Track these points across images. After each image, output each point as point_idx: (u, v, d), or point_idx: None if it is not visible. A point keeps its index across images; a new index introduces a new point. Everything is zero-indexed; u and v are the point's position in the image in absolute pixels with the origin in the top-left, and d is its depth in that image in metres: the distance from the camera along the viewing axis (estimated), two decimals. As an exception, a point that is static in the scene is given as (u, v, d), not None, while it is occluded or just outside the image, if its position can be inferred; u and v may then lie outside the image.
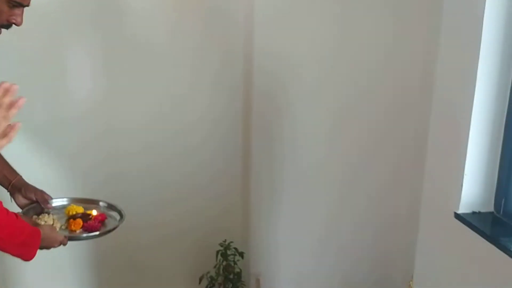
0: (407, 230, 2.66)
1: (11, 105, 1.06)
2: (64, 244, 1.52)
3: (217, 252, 2.60)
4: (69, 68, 2.46)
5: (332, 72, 2.45)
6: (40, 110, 2.37)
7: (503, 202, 1.55)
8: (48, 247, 1.47)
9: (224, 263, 2.61)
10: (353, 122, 2.53)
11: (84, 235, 1.59)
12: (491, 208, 1.59)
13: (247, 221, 2.71)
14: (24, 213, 1.60)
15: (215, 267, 2.61)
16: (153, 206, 2.65)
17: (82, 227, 1.61)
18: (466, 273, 1.57)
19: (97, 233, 1.59)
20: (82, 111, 2.49)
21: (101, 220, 1.65)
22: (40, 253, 2.54)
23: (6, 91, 1.06)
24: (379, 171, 2.64)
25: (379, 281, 2.81)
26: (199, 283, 2.63)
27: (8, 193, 1.64)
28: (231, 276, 2.63)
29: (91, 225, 1.60)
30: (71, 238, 1.55)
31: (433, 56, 1.85)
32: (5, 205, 1.41)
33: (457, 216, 1.57)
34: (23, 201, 1.64)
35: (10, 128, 1.07)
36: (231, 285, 2.63)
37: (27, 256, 1.37)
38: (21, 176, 1.65)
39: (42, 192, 1.67)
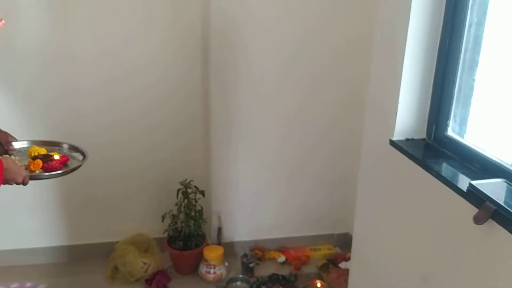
0: (357, 160, 2.79)
1: None
2: (25, 183, 1.50)
3: (178, 190, 2.69)
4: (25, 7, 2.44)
5: (285, 12, 2.51)
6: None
7: (433, 129, 1.66)
8: (12, 180, 1.46)
9: (185, 201, 2.70)
10: (304, 60, 2.62)
11: (45, 174, 1.59)
12: (423, 135, 1.70)
13: (208, 160, 2.79)
14: None
15: (176, 205, 2.71)
16: (113, 144, 2.71)
17: (42, 167, 1.61)
18: (399, 193, 1.69)
19: (58, 172, 1.61)
20: (39, 50, 2.49)
21: (63, 162, 1.68)
22: (7, 192, 2.64)
23: None
24: (329, 101, 2.75)
25: (334, 210, 2.97)
26: (162, 221, 2.72)
27: None
28: (193, 214, 2.73)
29: (50, 165, 1.62)
30: (32, 178, 1.54)
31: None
32: None
33: (392, 143, 1.68)
34: None
35: None
36: (193, 222, 2.73)
37: None
38: None
39: (6, 133, 1.66)
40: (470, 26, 1.52)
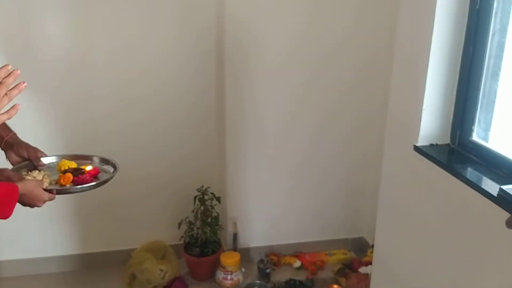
0: (375, 169, 2.82)
1: (13, 87, 1.15)
2: (51, 199, 1.46)
3: (195, 197, 2.70)
4: (47, 27, 2.47)
5: (299, 34, 2.57)
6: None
7: (458, 134, 1.68)
8: (31, 205, 1.42)
9: (202, 208, 2.72)
10: (323, 79, 2.67)
11: (76, 187, 1.53)
12: (447, 140, 1.72)
13: (224, 167, 2.80)
14: (14, 170, 1.56)
15: (193, 211, 2.72)
16: (132, 158, 2.72)
17: (73, 181, 1.56)
18: (424, 199, 1.71)
19: (88, 185, 1.54)
20: (60, 74, 2.53)
21: (94, 175, 1.62)
22: (19, 205, 2.66)
23: (9, 73, 1.13)
24: (349, 116, 2.79)
25: (349, 216, 2.99)
26: (178, 228, 2.73)
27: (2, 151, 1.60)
28: (209, 220, 2.74)
29: (81, 178, 1.57)
30: (60, 192, 1.51)
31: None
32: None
33: (416, 149, 1.70)
34: (16, 158, 1.59)
35: (11, 107, 1.15)
36: (209, 228, 2.74)
37: (2, 215, 1.30)
38: (15, 133, 1.62)
39: (35, 149, 1.62)
40: (493, 34, 1.54)
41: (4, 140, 1.58)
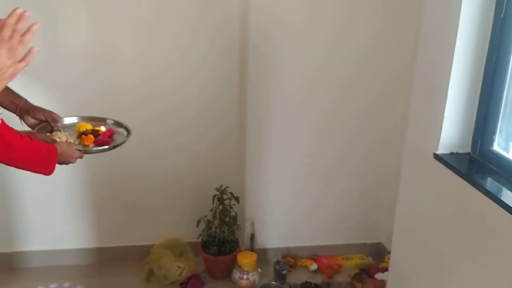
0: (395, 178, 2.80)
1: (25, 31, 1.10)
2: (81, 158, 1.58)
3: (214, 196, 2.73)
4: (67, 19, 2.51)
5: (319, 25, 2.54)
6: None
7: (479, 143, 1.66)
8: (66, 163, 1.53)
9: (220, 207, 2.74)
10: (335, 68, 2.65)
11: (97, 148, 1.64)
12: (468, 149, 1.70)
13: (243, 167, 2.82)
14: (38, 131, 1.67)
15: (211, 210, 2.75)
16: (152, 155, 2.78)
17: (94, 142, 1.68)
18: (442, 208, 1.69)
19: (107, 146, 1.66)
20: (80, 67, 2.56)
21: (110, 136, 1.72)
22: (43, 197, 2.72)
23: (20, 18, 1.09)
24: (377, 124, 2.77)
25: (367, 221, 2.97)
26: (197, 226, 2.77)
27: (17, 117, 1.69)
28: (227, 220, 2.76)
29: (101, 140, 1.68)
30: (85, 152, 1.61)
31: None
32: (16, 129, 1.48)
33: (436, 156, 1.68)
34: (33, 121, 1.69)
35: (27, 52, 1.12)
36: (227, 228, 2.77)
37: (46, 171, 1.44)
38: (26, 99, 1.70)
39: (50, 111, 1.72)
40: (518, 42, 1.52)
41: (19, 106, 1.68)
